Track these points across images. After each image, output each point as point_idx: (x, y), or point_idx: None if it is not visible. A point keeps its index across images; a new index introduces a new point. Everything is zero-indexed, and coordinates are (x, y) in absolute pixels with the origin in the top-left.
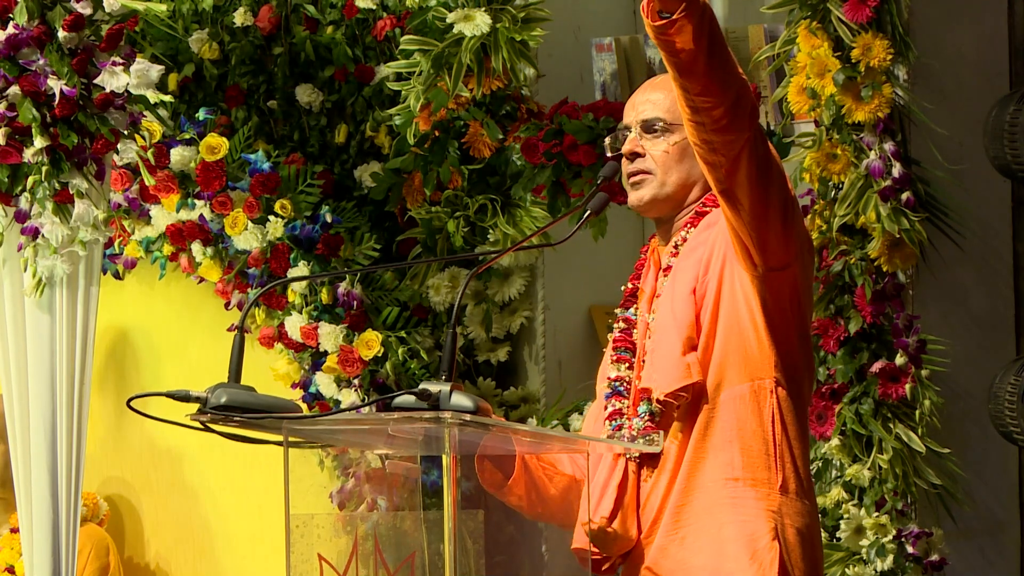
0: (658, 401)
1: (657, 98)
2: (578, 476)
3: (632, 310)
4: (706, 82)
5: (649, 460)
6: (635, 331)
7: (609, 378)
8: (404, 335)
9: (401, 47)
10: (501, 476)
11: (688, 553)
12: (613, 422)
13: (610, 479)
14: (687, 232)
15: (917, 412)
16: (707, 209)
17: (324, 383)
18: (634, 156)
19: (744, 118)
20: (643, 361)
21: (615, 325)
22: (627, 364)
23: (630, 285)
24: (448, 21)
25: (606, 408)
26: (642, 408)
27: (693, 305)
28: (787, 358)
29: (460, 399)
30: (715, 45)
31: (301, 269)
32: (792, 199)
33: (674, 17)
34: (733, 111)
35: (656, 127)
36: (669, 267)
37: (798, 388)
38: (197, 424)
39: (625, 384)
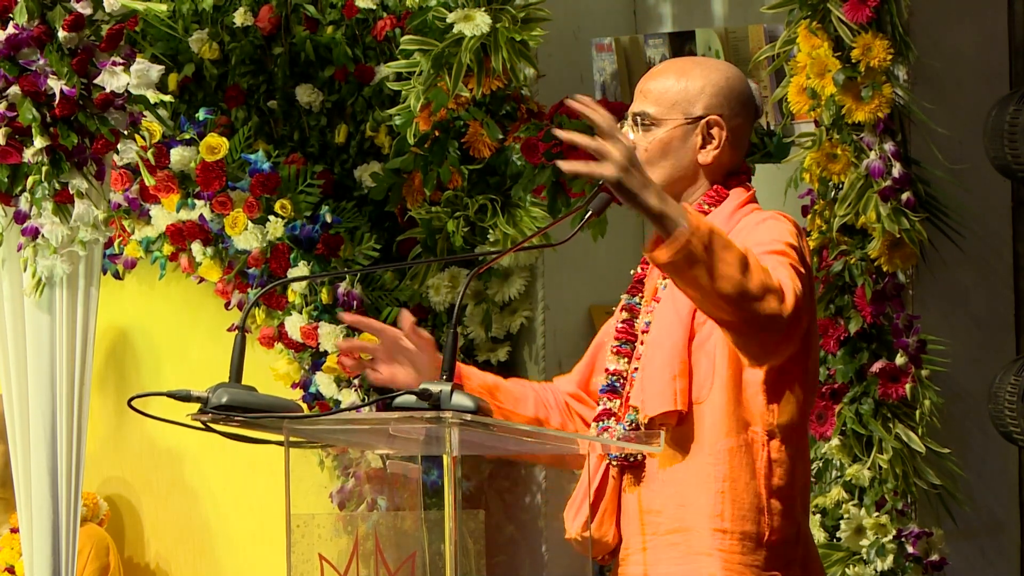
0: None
1: (653, 87)
2: (540, 416)
3: (637, 298)
4: (720, 300)
5: (632, 469)
6: (637, 320)
7: (607, 371)
8: None
9: (401, 47)
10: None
11: None
12: (600, 423)
13: (591, 482)
14: None
15: (917, 412)
16: (707, 209)
17: (324, 383)
18: None
19: (794, 336)
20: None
21: (619, 312)
22: (627, 358)
23: (639, 270)
24: (448, 21)
25: (598, 404)
26: (629, 416)
27: (689, 330)
28: (786, 410)
29: (461, 399)
30: (715, 273)
31: (301, 269)
32: (806, 309)
33: (669, 260)
34: (781, 320)
35: (641, 121)
36: None
37: (799, 437)
38: (198, 424)
39: (621, 380)
